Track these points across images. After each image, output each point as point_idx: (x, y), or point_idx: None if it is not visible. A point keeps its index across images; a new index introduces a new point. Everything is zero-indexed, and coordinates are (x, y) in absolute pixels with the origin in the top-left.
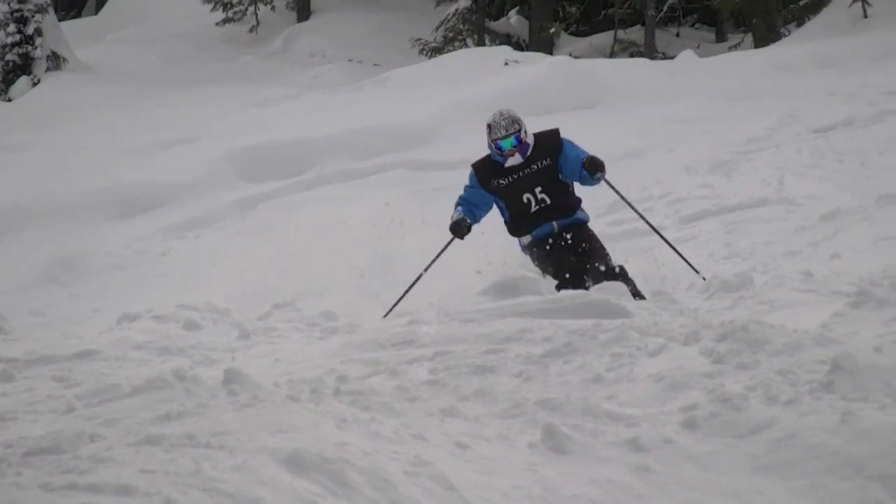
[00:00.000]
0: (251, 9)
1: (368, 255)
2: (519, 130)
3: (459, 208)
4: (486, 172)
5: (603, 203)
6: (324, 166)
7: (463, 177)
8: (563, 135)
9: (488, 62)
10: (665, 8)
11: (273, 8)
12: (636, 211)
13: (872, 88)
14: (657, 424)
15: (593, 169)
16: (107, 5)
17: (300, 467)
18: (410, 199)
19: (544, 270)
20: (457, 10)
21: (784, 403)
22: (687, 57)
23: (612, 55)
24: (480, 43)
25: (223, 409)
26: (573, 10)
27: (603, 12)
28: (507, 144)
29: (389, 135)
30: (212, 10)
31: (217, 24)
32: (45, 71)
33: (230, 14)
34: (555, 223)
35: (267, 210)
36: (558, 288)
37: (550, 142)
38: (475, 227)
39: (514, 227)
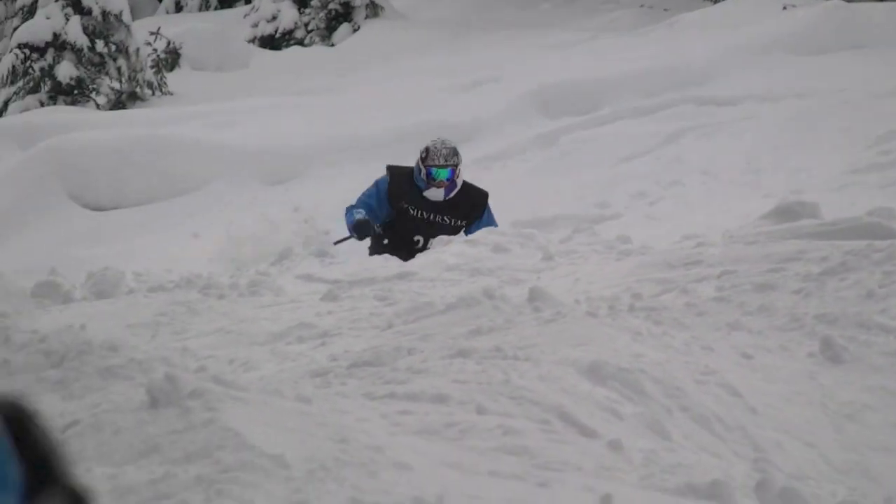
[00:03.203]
0: None
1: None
2: (457, 165)
3: (361, 211)
4: (402, 189)
5: None
6: (616, 103)
7: (745, 112)
8: (490, 201)
9: (768, 6)
10: None
11: None
12: None
13: None
14: None
15: None
16: None
17: (599, 376)
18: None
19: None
20: None
21: None
22: None
23: None
24: None
25: (528, 324)
26: None
27: None
28: (440, 175)
29: (674, 74)
30: None
31: None
32: (364, 18)
33: None
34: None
35: (566, 143)
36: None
37: (475, 203)
38: None
39: (379, 248)
